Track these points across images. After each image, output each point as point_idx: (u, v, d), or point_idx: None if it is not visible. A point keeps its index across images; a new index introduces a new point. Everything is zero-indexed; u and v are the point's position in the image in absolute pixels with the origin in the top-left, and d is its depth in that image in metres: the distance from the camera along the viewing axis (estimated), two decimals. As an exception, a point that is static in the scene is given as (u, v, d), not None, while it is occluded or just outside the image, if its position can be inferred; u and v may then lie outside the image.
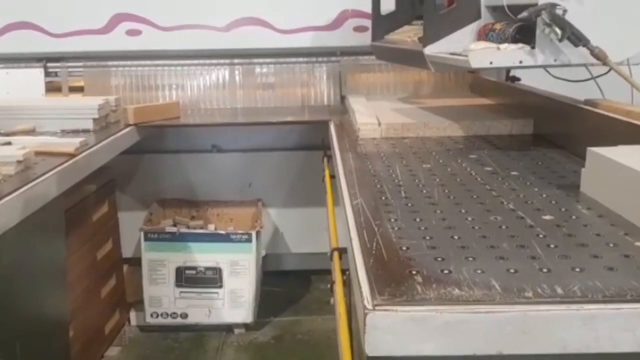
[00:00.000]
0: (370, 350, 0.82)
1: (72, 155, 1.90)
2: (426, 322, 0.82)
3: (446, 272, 0.92)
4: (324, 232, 2.20)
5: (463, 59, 1.57)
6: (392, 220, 1.17)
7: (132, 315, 2.81)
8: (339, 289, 1.46)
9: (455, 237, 1.07)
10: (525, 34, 1.61)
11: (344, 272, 1.43)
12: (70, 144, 1.97)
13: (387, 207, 1.26)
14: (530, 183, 1.41)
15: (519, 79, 2.59)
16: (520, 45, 1.55)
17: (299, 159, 3.02)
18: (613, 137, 1.48)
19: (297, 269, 3.16)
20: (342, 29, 2.82)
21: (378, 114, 2.06)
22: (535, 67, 1.61)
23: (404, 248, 1.03)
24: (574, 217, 1.17)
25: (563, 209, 1.21)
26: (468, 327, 0.82)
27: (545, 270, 0.92)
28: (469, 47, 1.61)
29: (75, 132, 2.28)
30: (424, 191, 1.37)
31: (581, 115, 1.67)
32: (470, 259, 0.97)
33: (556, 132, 1.83)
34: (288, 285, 3.13)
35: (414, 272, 0.92)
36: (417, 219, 1.17)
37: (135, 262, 2.78)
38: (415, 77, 2.87)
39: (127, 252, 2.91)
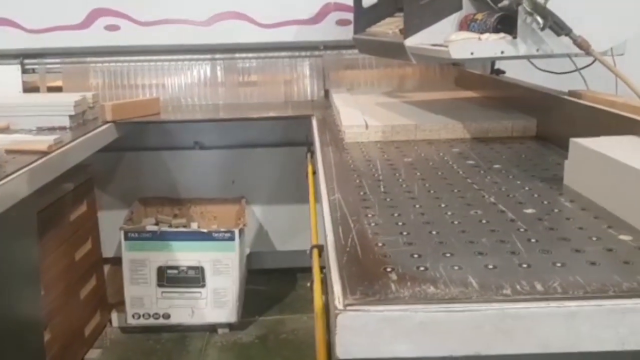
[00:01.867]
0: (341, 352, 0.78)
1: (45, 153, 1.84)
2: (400, 322, 0.78)
3: (422, 269, 0.88)
4: (309, 229, 2.17)
5: (444, 50, 1.53)
6: (370, 215, 1.13)
7: (114, 316, 2.75)
8: (316, 287, 1.42)
9: (434, 233, 1.03)
10: (507, 24, 1.57)
11: (322, 269, 1.39)
12: (44, 141, 1.91)
13: (364, 203, 1.21)
14: (512, 176, 1.38)
15: (503, 72, 2.55)
16: (501, 35, 1.51)
17: (283, 155, 2.97)
18: (597, 128, 1.44)
19: (282, 267, 3.12)
20: (325, 22, 2.78)
21: (364, 112, 2.00)
22: (518, 58, 1.57)
23: (380, 244, 0.99)
24: (556, 210, 1.13)
25: (545, 202, 1.17)
26: (444, 327, 0.78)
27: (525, 265, 0.88)
28: (449, 38, 1.57)
29: (51, 130, 2.23)
30: (404, 185, 1.33)
31: (564, 106, 1.64)
32: (448, 254, 0.93)
33: (540, 124, 1.79)
34: (273, 284, 3.09)
35: (388, 270, 0.88)
36: (395, 214, 1.13)
37: (117, 262, 2.73)
38: (400, 71, 2.83)
39: (108, 252, 2.86)
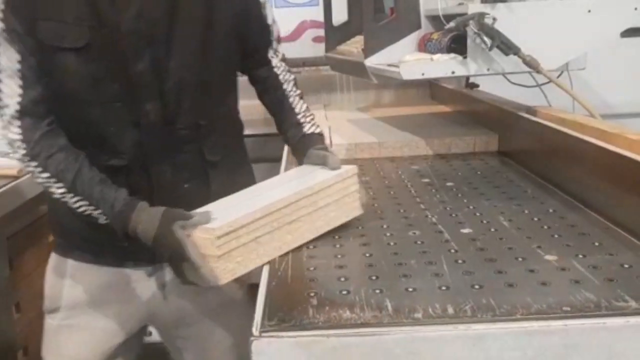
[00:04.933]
0: (259, 378, 0.81)
1: (15, 178, 1.88)
2: (312, 348, 0.80)
3: (344, 292, 0.90)
4: None
5: (396, 70, 1.55)
6: (310, 238, 1.16)
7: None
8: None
9: (367, 255, 1.06)
10: (460, 43, 1.60)
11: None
12: (15, 166, 1.94)
13: (309, 225, 1.24)
14: (461, 194, 1.40)
15: (477, 85, 2.57)
16: (452, 55, 1.54)
17: (261, 171, 2.98)
18: (545, 145, 1.47)
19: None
20: (301, 39, 2.82)
21: (333, 130, 2.03)
22: (471, 76, 1.60)
23: (312, 268, 1.01)
24: (492, 229, 1.15)
25: (485, 222, 1.19)
26: (355, 351, 0.80)
27: (444, 288, 0.90)
28: (403, 59, 1.60)
29: (28, 152, 2.26)
30: (353, 206, 1.35)
31: (521, 123, 1.66)
32: (374, 277, 0.96)
33: (501, 140, 1.82)
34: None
35: (311, 294, 0.90)
36: (336, 236, 1.16)
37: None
38: (377, 86, 2.86)
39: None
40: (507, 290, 0.88)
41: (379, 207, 1.33)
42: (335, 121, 2.30)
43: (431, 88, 2.78)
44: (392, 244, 1.10)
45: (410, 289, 0.90)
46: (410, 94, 2.82)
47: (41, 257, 2.34)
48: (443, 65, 1.53)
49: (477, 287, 0.90)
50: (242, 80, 1.51)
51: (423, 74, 1.52)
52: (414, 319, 0.81)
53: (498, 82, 2.38)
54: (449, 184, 1.49)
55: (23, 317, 2.15)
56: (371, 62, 1.77)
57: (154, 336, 1.55)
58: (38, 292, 2.32)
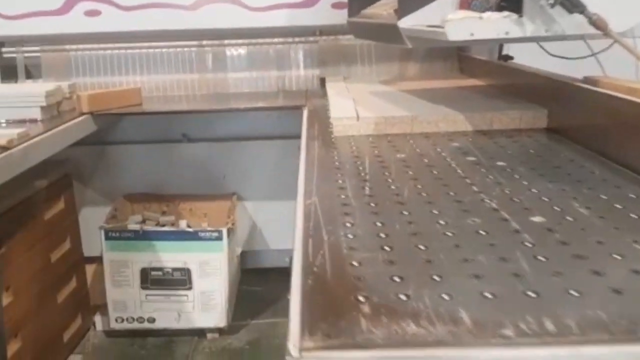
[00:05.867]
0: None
1: (5, 149, 1.68)
2: (369, 374, 0.61)
3: (403, 297, 0.71)
4: None
5: (440, 31, 1.34)
6: (348, 225, 0.96)
7: (98, 319, 2.60)
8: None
9: (421, 247, 0.86)
10: (512, 2, 1.39)
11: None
12: (6, 135, 1.75)
13: (344, 208, 1.04)
14: (518, 175, 1.20)
15: (511, 58, 2.36)
16: (505, 13, 1.33)
17: (277, 147, 2.80)
18: (615, 119, 1.27)
19: (278, 266, 2.96)
20: (320, 5, 2.60)
21: (357, 103, 1.83)
22: (524, 41, 1.39)
23: (355, 263, 0.81)
24: (569, 218, 0.95)
25: (556, 208, 0.99)
26: (426, 379, 0.61)
27: (531, 293, 0.71)
28: (446, 18, 1.38)
29: (21, 123, 2.07)
30: (393, 187, 1.15)
31: (579, 95, 1.45)
32: (437, 277, 0.76)
33: (551, 115, 1.61)
34: (268, 284, 2.92)
35: (360, 299, 0.71)
36: (378, 223, 0.96)
37: (102, 261, 2.57)
38: (401, 57, 2.64)
39: (93, 250, 2.70)
40: (615, 299, 0.69)
41: (424, 188, 1.13)
42: (358, 93, 2.09)
43: (460, 60, 2.56)
44: (449, 234, 0.91)
45: (488, 295, 0.71)
46: (437, 66, 2.61)
47: (36, 236, 2.17)
48: (494, 25, 1.32)
49: (574, 293, 0.70)
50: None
51: (472, 35, 1.31)
52: (504, 338, 0.62)
53: (534, 54, 2.18)
54: (499, 163, 1.29)
55: (15, 301, 1.98)
56: (406, 23, 1.56)
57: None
58: (34, 273, 2.15)
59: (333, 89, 2.16)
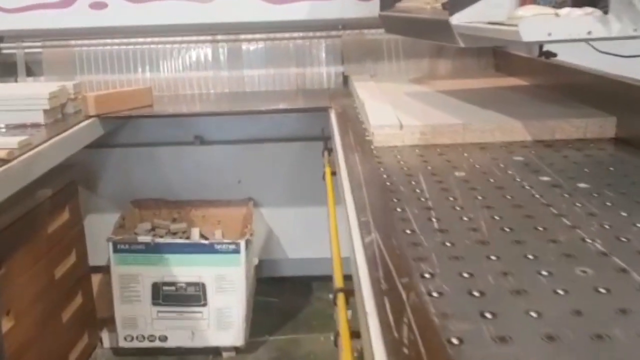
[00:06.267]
0: None
1: (5, 161, 1.50)
2: None
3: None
4: (325, 234, 1.80)
5: (509, 30, 1.15)
6: (427, 276, 0.77)
7: (105, 335, 2.42)
8: (344, 343, 1.07)
9: (533, 314, 0.67)
10: (591, -5, 1.20)
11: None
12: (5, 145, 1.57)
13: (416, 250, 0.85)
14: (610, 202, 1.01)
15: (554, 55, 2.16)
16: (588, 9, 1.13)
17: (296, 150, 2.61)
18: None
19: (296, 275, 2.78)
20: (343, -3, 2.40)
21: (395, 106, 1.64)
22: (608, 39, 1.19)
23: (455, 341, 0.63)
24: None
25: (682, 253, 0.81)
26: None
27: None
28: (515, 14, 1.19)
29: (22, 128, 1.88)
30: (465, 218, 0.97)
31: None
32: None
33: (621, 124, 1.42)
34: (286, 295, 2.74)
35: (480, 404, 0.52)
36: (465, 274, 0.77)
37: (109, 270, 2.39)
38: (430, 53, 2.45)
39: (100, 259, 2.52)
40: None
41: (503, 220, 0.95)
42: (392, 95, 1.90)
43: (496, 57, 2.37)
44: (560, 292, 0.72)
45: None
46: (471, 63, 2.41)
47: (39, 252, 1.98)
48: (576, 24, 1.12)
49: None
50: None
51: (550, 35, 1.12)
52: None
53: (581, 51, 1.98)
54: (581, 185, 1.10)
55: (17, 325, 1.80)
56: (459, 19, 1.36)
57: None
58: (37, 293, 1.98)
59: (363, 89, 1.97)
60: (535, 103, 1.70)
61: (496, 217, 0.96)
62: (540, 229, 0.91)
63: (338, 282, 1.21)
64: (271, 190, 2.65)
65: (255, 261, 2.53)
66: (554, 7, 1.24)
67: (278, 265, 2.77)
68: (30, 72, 2.56)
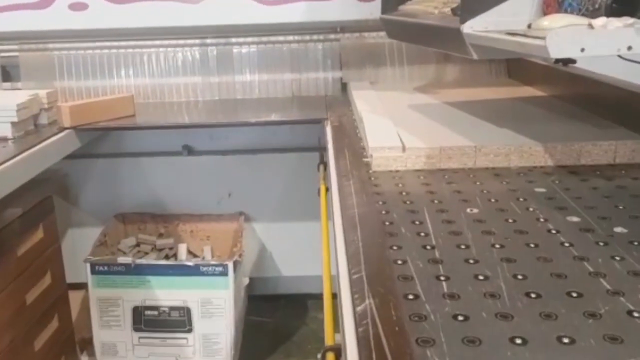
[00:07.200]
0: None
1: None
2: None
3: None
4: (320, 251, 1.63)
5: (534, 44, 0.97)
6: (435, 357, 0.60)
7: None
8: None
9: None
10: (626, 1, 1.02)
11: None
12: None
13: (420, 326, 0.68)
14: (658, 256, 0.83)
15: (574, 62, 1.98)
16: (628, 20, 0.96)
17: (290, 161, 2.44)
18: None
19: (290, 293, 2.61)
20: (342, -2, 2.23)
21: (396, 122, 1.46)
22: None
23: None
24: None
25: None
26: None
27: None
28: (540, 24, 1.02)
29: (-11, 142, 1.72)
30: (481, 277, 0.79)
31: None
32: None
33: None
34: (279, 314, 2.58)
35: None
36: (479, 353, 0.60)
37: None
38: (436, 59, 2.27)
39: (82, 276, 2.35)
40: None
41: (529, 282, 0.77)
42: (393, 106, 1.73)
43: (509, 63, 2.19)
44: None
45: None
46: (481, 70, 2.23)
47: (7, 278, 1.82)
48: (613, 37, 0.95)
49: None
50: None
51: (583, 50, 0.94)
52: None
53: (602, 57, 1.81)
54: (618, 229, 0.93)
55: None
56: (472, 28, 1.19)
57: None
58: (5, 322, 1.81)
59: (362, 100, 1.79)
60: (555, 119, 1.52)
61: (519, 277, 0.79)
62: (575, 295, 0.74)
63: (328, 338, 1.04)
64: (264, 204, 2.48)
65: (246, 281, 2.36)
66: (584, 14, 1.07)
67: (271, 282, 2.61)
68: (7, 77, 2.39)
